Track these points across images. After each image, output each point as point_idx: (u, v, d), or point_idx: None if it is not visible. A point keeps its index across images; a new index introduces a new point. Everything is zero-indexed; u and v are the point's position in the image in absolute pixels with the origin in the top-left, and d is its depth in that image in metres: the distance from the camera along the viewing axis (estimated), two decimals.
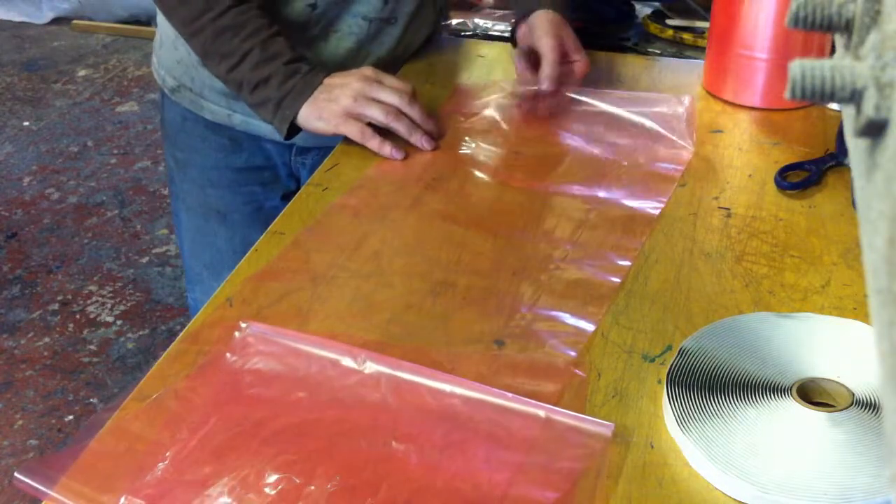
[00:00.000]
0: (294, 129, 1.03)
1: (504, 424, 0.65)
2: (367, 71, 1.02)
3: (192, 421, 0.66)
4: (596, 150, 1.04)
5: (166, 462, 0.63)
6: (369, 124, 1.01)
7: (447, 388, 0.68)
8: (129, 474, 0.63)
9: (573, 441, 0.64)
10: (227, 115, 1.16)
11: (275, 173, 1.21)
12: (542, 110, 1.09)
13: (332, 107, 1.00)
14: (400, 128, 1.01)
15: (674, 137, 1.04)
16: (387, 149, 1.00)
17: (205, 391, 0.69)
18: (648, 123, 1.07)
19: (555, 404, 0.68)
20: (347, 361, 0.71)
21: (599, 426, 0.65)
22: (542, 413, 0.66)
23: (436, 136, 1.03)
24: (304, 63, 1.03)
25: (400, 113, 1.01)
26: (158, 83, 1.22)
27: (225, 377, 0.70)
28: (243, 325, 0.74)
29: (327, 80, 1.01)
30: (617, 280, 0.82)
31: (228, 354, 0.72)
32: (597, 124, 1.08)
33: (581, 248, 0.86)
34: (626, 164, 1.01)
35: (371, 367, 0.70)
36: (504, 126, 1.09)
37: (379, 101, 1.00)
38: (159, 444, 0.65)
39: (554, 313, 0.78)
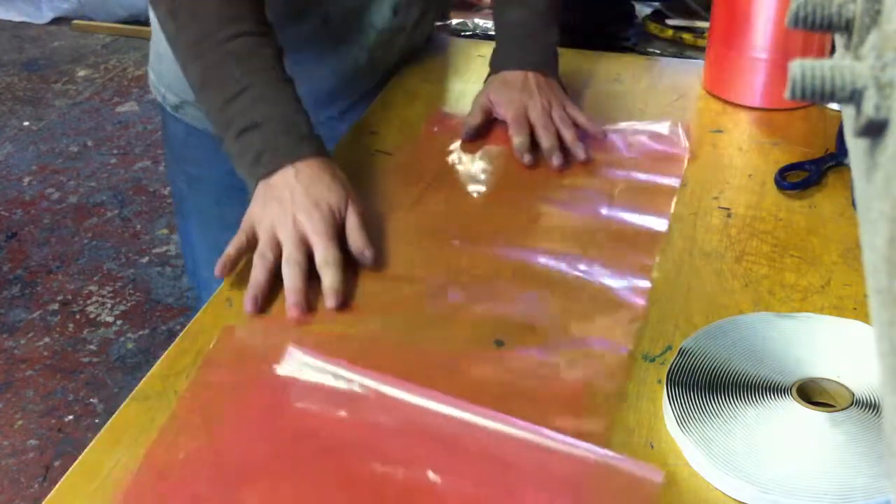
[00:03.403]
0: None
1: (550, 467, 0.63)
2: (315, 222, 0.83)
3: (228, 434, 0.65)
4: (590, 169, 1.00)
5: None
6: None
7: (494, 425, 0.65)
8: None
9: (621, 486, 0.62)
10: None
11: None
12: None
13: (261, 209, 0.86)
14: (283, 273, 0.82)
15: (668, 149, 1.02)
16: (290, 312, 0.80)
17: (247, 406, 0.68)
18: (641, 139, 1.04)
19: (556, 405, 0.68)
20: (389, 391, 0.68)
21: (649, 471, 0.62)
22: (591, 456, 0.63)
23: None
24: (305, 125, 0.90)
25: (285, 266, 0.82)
26: (158, 100, 1.18)
27: (267, 391, 0.69)
28: (291, 349, 0.72)
29: (282, 182, 0.85)
30: (630, 296, 0.82)
31: (275, 366, 0.71)
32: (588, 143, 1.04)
33: (583, 262, 0.84)
34: (621, 180, 0.98)
35: (413, 399, 0.67)
36: (494, 145, 1.05)
37: (289, 285, 0.80)
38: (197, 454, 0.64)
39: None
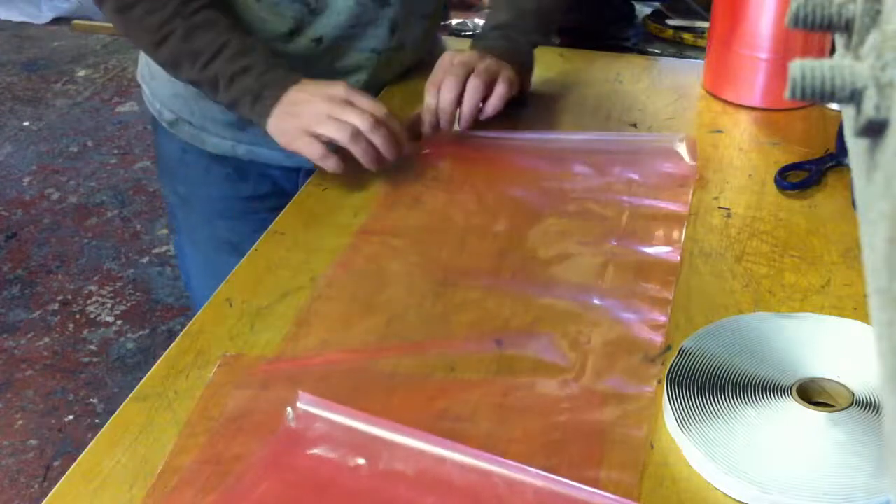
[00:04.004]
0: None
1: None
2: (338, 89, 0.94)
3: (244, 484, 0.63)
4: (593, 191, 0.96)
5: None
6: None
7: (510, 474, 0.63)
8: None
9: None
10: (231, 146, 1.12)
11: (283, 199, 1.17)
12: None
13: (291, 122, 0.94)
14: (356, 150, 0.92)
15: (674, 170, 0.98)
16: (342, 170, 0.93)
17: (259, 454, 0.66)
18: (647, 159, 1.00)
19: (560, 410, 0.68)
20: (402, 440, 0.66)
21: None
22: None
23: (394, 163, 0.96)
24: (282, 64, 0.98)
25: (359, 134, 0.92)
26: (153, 115, 1.17)
27: (281, 441, 0.67)
28: (300, 403, 0.69)
29: (294, 92, 0.95)
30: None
31: (289, 409, 0.68)
32: (588, 162, 1.00)
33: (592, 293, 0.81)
34: (628, 207, 0.93)
35: (427, 448, 0.65)
36: (490, 170, 1.01)
37: (341, 121, 0.92)
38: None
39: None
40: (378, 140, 0.93)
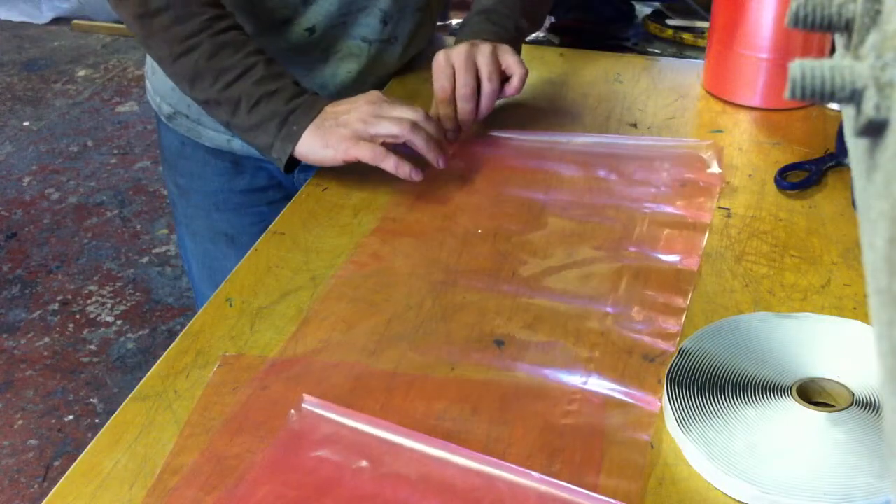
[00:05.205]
0: (292, 162, 0.95)
1: None
2: (374, 94, 0.94)
3: (246, 485, 0.63)
4: (613, 196, 0.94)
5: None
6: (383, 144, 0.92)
7: (512, 478, 0.62)
8: None
9: None
10: (226, 140, 1.13)
11: (280, 192, 1.18)
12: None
13: (340, 131, 0.91)
14: (417, 141, 0.91)
15: (698, 177, 0.97)
16: (405, 169, 0.91)
17: (261, 455, 0.65)
18: (669, 166, 0.99)
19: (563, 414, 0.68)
20: (406, 442, 0.65)
21: None
22: None
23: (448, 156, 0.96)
24: (308, 91, 0.97)
25: (417, 126, 0.91)
26: (154, 109, 1.19)
27: (284, 442, 0.66)
28: (305, 404, 0.68)
29: (330, 108, 0.93)
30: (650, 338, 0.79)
31: (293, 411, 0.68)
32: (608, 166, 0.99)
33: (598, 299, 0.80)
34: (648, 214, 0.91)
35: (430, 450, 0.64)
36: (501, 172, 1.00)
37: (393, 117, 0.92)
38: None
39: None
40: (434, 130, 0.93)
